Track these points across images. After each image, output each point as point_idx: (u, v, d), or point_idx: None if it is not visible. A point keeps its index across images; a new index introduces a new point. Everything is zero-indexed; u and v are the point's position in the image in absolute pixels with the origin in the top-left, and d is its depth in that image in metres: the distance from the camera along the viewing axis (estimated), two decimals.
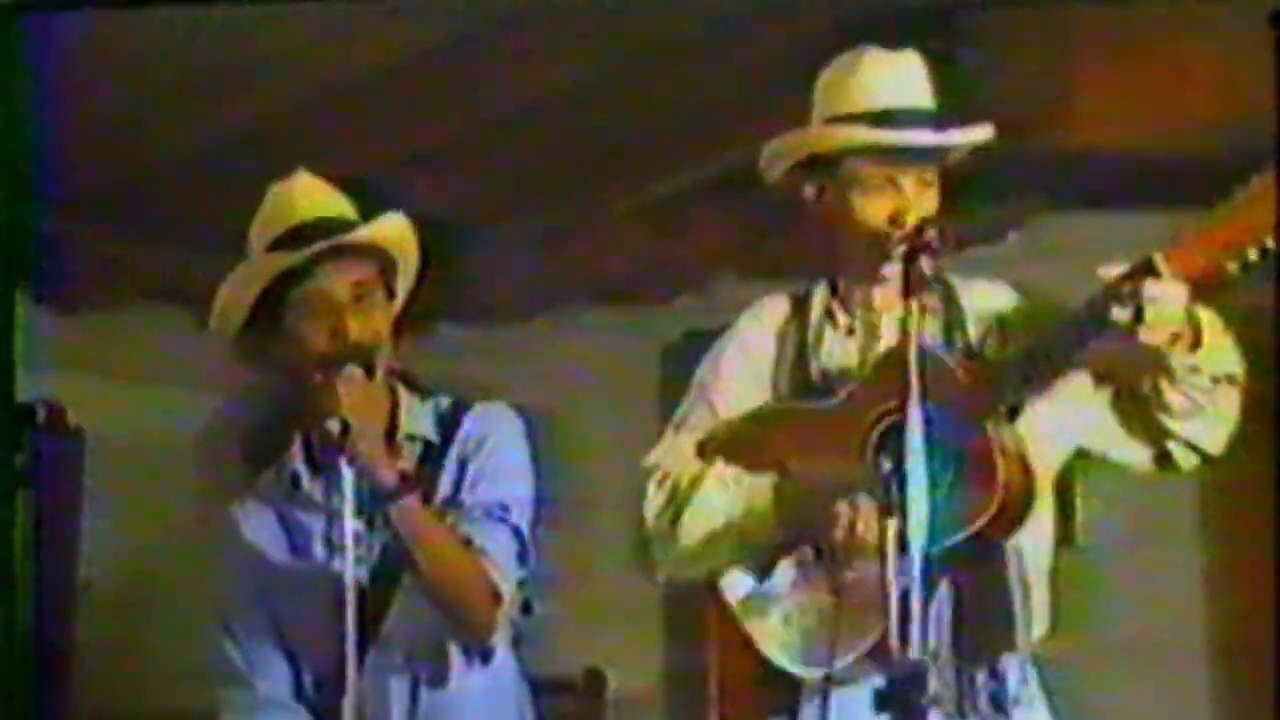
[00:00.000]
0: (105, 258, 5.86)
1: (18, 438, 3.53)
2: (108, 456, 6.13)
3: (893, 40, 4.40)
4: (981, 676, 3.23)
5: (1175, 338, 3.05)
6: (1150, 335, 3.02)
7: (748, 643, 3.47)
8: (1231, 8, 4.54)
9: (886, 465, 2.98)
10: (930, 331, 3.24)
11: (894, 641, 2.93)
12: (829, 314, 3.42)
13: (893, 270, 3.19)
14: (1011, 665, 3.26)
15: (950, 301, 3.35)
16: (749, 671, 3.49)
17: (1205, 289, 3.02)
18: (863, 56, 3.45)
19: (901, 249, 3.10)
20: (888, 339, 3.31)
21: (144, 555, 6.26)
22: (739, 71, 5.21)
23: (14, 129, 3.43)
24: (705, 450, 3.41)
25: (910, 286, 3.06)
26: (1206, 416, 3.19)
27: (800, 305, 3.46)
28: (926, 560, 2.94)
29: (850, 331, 3.39)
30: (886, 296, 3.33)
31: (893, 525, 2.93)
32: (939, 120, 3.37)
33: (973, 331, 3.33)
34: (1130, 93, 4.83)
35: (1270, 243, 2.94)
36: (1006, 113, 4.95)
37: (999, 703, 3.24)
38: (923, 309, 3.07)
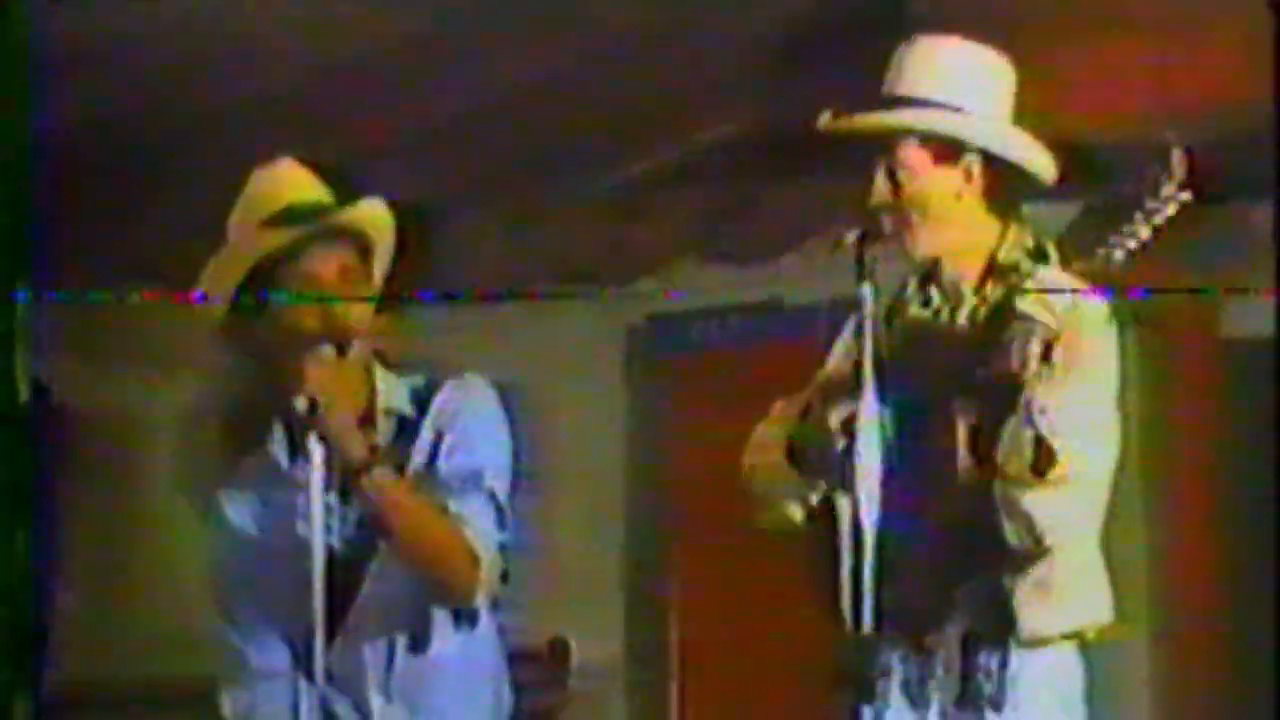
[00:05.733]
0: (87, 239, 5.90)
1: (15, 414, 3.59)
2: (91, 434, 6.17)
3: (845, 32, 4.50)
4: (945, 663, 3.27)
5: (1050, 342, 3.08)
6: (1028, 312, 3.08)
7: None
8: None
9: (841, 442, 3.11)
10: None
11: (846, 616, 3.03)
12: (923, 293, 3.45)
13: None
14: (993, 659, 3.27)
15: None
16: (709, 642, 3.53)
17: (1096, 278, 3.11)
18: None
19: (855, 235, 3.19)
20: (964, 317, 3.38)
21: (125, 532, 6.33)
22: (700, 62, 5.30)
23: (13, 117, 3.48)
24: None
25: (864, 270, 3.15)
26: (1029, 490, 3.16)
27: (903, 288, 3.50)
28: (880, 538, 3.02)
29: (937, 314, 3.42)
30: (970, 277, 3.39)
31: (846, 502, 3.05)
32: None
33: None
34: (1075, 84, 4.92)
35: (1144, 233, 3.02)
36: None
37: (970, 697, 3.27)
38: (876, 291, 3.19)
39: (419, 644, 3.38)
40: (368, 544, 3.34)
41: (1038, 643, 3.28)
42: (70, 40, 4.63)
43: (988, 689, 3.25)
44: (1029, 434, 3.11)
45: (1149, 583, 5.67)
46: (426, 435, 3.41)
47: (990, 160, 3.35)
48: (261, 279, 3.32)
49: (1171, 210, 3.01)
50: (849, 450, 3.05)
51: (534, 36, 5.14)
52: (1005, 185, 3.37)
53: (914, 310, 3.43)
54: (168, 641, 5.59)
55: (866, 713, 3.11)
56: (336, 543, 3.31)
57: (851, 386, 3.14)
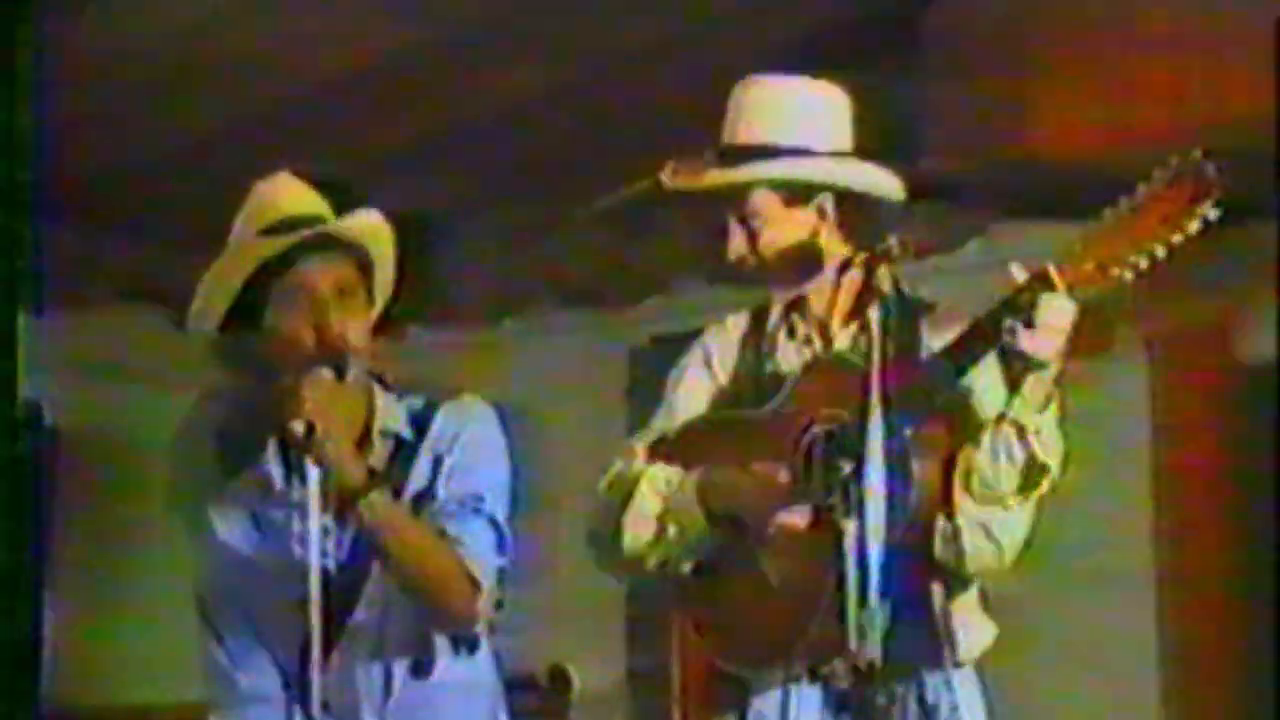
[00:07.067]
0: (78, 256, 5.87)
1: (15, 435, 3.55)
2: (84, 454, 6.15)
3: (858, 48, 4.46)
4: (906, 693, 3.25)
5: (1042, 367, 3.07)
6: (1035, 344, 3.04)
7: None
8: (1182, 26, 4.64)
9: (846, 469, 3.02)
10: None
11: (852, 642, 2.95)
12: (787, 323, 3.46)
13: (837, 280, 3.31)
14: (937, 682, 3.28)
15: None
16: (707, 669, 3.49)
17: (1099, 300, 3.06)
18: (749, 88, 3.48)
19: (862, 257, 3.15)
20: (841, 347, 3.36)
21: (118, 554, 6.29)
22: (705, 78, 5.25)
23: (11, 134, 3.45)
24: (656, 452, 3.47)
25: (870, 295, 3.10)
26: (1001, 512, 3.18)
27: (760, 317, 3.51)
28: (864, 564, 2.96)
29: (807, 341, 3.43)
30: (842, 307, 3.39)
31: (851, 528, 2.96)
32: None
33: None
34: (1086, 107, 4.91)
35: (1160, 251, 2.97)
36: (968, 125, 5.07)
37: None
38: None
39: (419, 670, 3.34)
40: (362, 568, 3.29)
41: (965, 665, 3.32)
42: (70, 55, 4.61)
43: (944, 711, 3.26)
44: (1021, 457, 3.12)
45: (1157, 600, 5.65)
46: (425, 459, 3.36)
47: (841, 193, 3.36)
48: (257, 291, 3.26)
49: (1195, 229, 2.97)
50: (858, 472, 2.99)
51: (537, 51, 5.12)
52: (860, 213, 3.37)
53: (781, 339, 3.44)
54: (160, 665, 5.56)
55: None
56: (331, 565, 3.25)
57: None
